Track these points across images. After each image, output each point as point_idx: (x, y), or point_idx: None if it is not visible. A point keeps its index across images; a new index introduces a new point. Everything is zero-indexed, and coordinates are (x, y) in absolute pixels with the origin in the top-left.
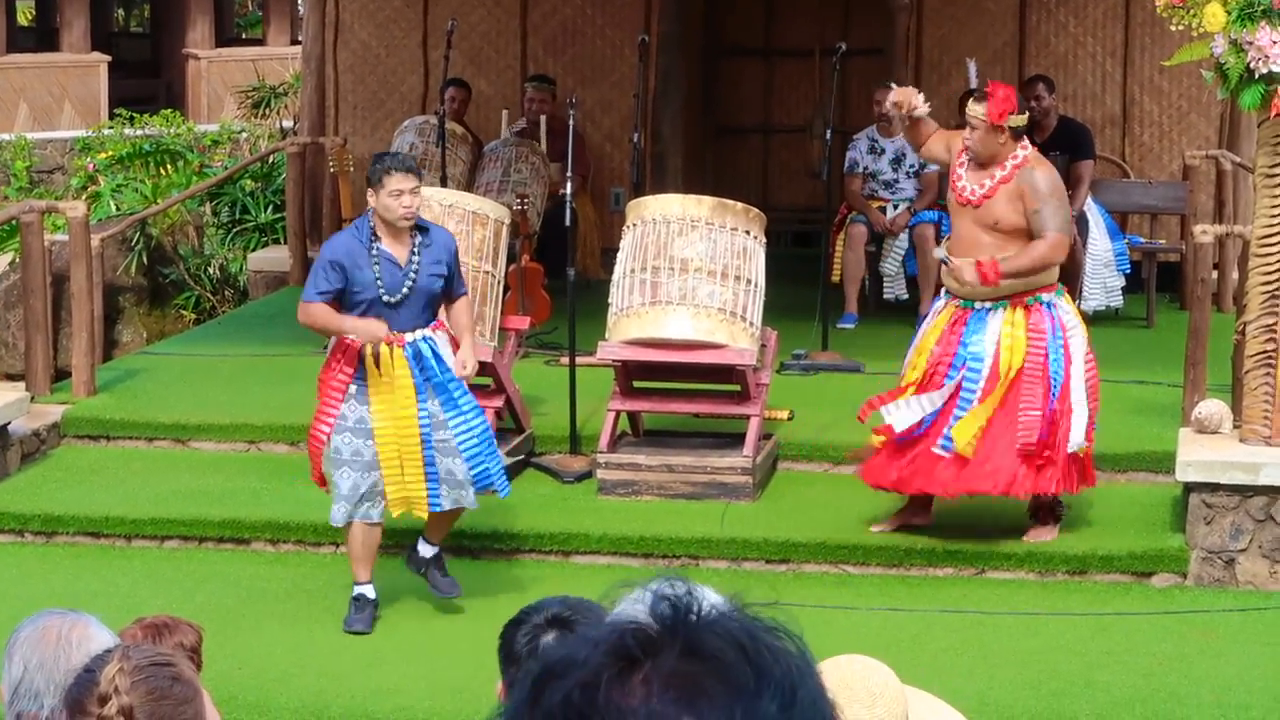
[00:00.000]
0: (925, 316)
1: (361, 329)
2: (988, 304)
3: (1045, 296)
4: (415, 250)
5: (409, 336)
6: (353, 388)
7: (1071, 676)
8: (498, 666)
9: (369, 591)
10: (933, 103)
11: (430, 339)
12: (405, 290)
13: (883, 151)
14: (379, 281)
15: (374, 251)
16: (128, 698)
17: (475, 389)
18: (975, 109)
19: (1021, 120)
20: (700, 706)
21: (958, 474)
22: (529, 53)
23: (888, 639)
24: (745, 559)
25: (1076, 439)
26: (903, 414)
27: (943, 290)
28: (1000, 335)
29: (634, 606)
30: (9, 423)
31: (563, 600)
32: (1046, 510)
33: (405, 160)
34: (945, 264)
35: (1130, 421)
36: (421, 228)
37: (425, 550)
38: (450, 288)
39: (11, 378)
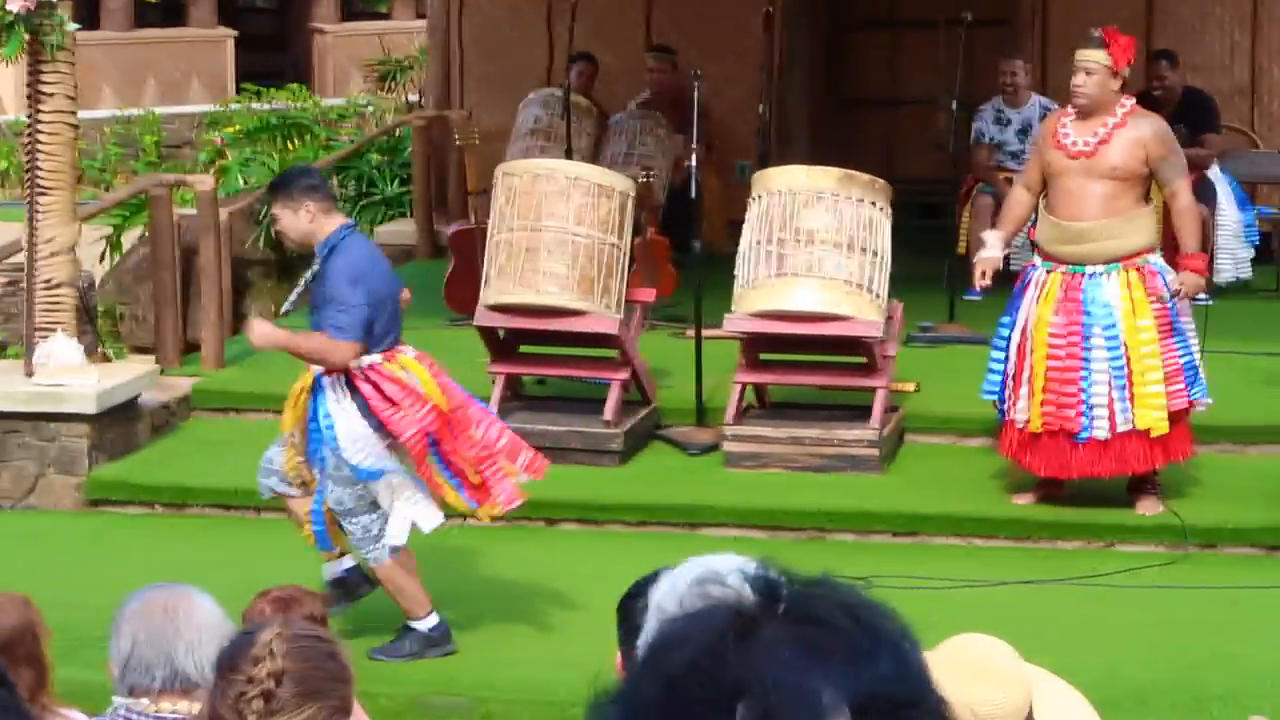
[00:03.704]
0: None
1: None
2: (1100, 267)
3: (1152, 258)
4: (311, 278)
5: (314, 367)
6: None
7: (1204, 650)
8: (618, 636)
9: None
10: (1059, 74)
11: (320, 380)
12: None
13: (1009, 122)
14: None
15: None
16: (281, 662)
17: (602, 362)
18: (1095, 54)
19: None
20: (828, 665)
21: (1098, 457)
22: (653, 25)
23: (1016, 612)
24: (872, 531)
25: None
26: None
27: (1037, 258)
28: (1121, 300)
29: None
30: (139, 395)
31: None
32: (1147, 480)
33: (272, 182)
34: (1174, 295)
35: (1260, 393)
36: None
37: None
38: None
39: (141, 351)
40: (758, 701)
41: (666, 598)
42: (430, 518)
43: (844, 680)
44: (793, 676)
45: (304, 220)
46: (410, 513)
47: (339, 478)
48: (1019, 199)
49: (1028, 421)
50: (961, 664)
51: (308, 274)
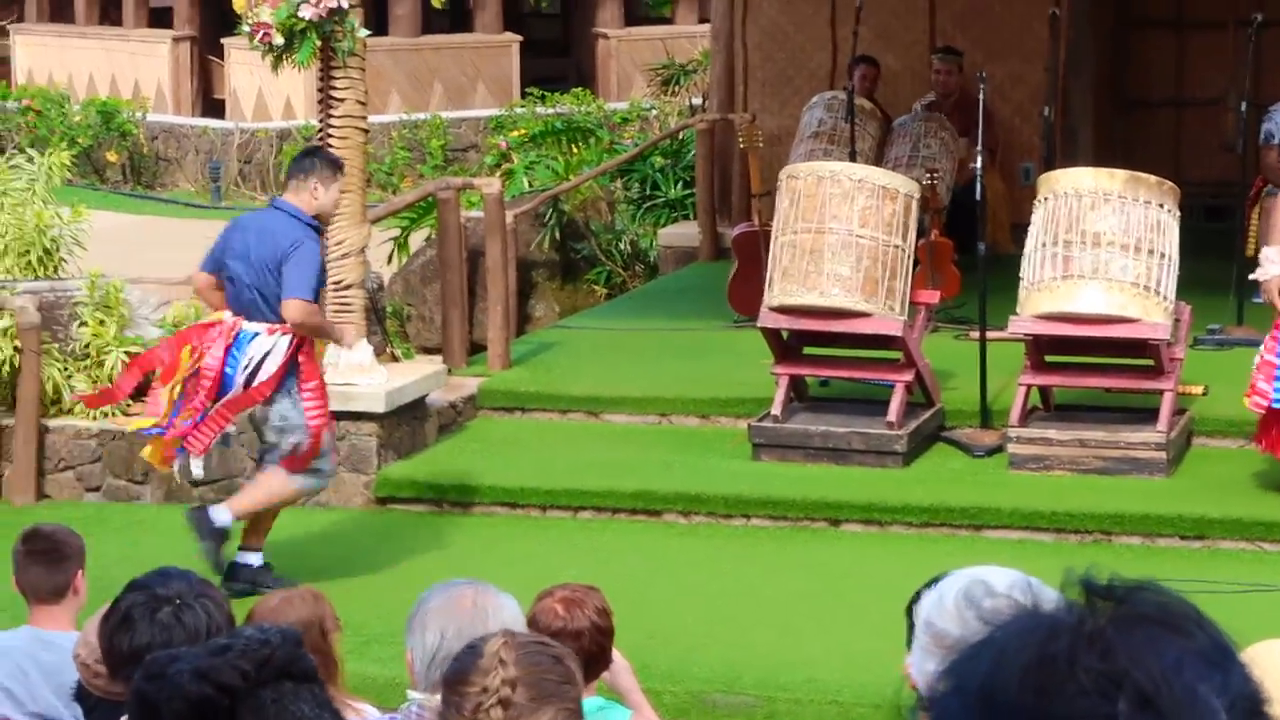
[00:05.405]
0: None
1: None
2: None
3: None
4: None
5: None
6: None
7: None
8: (906, 639)
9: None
10: None
11: None
12: None
13: None
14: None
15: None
16: (514, 670)
17: (885, 363)
18: None
19: None
20: (1196, 665)
21: None
22: (937, 27)
23: None
24: (1159, 535)
25: None
26: None
27: None
28: None
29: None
30: (427, 395)
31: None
32: None
33: None
34: None
35: None
36: None
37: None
38: None
39: (429, 351)
40: (1139, 691)
41: (934, 610)
42: None
43: (1213, 679)
44: (1171, 673)
45: None
46: None
47: None
48: None
49: None
50: (1270, 671)
51: None
